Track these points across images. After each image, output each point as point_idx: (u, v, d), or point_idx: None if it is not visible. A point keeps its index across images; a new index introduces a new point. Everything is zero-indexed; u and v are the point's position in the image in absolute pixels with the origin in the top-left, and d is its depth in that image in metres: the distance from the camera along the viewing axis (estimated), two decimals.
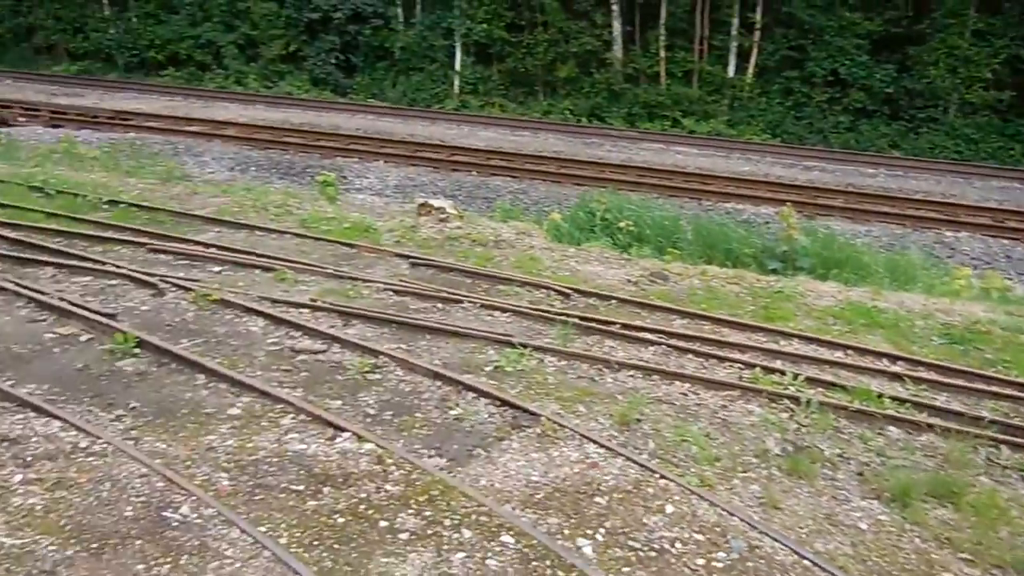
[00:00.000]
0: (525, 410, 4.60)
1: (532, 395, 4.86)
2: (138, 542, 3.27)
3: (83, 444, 3.93)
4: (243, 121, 16.75)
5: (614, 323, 6.03)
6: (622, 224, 9.45)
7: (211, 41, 23.41)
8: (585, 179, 13.30)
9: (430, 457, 4.14)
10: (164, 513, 3.46)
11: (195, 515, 3.46)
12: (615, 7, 20.93)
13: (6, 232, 7.15)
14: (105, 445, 3.93)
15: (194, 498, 3.56)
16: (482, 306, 6.29)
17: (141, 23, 24.00)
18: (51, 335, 5.23)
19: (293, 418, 4.39)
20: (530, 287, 6.84)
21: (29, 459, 3.76)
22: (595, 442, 4.29)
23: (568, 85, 21.49)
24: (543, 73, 21.73)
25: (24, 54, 24.47)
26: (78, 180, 9.79)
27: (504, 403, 4.69)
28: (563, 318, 5.98)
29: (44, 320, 5.44)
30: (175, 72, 23.54)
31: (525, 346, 5.46)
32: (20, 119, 15.32)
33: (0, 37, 24.50)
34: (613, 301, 6.65)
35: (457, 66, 22.28)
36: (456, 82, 22.23)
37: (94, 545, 3.23)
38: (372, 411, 4.59)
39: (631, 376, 5.24)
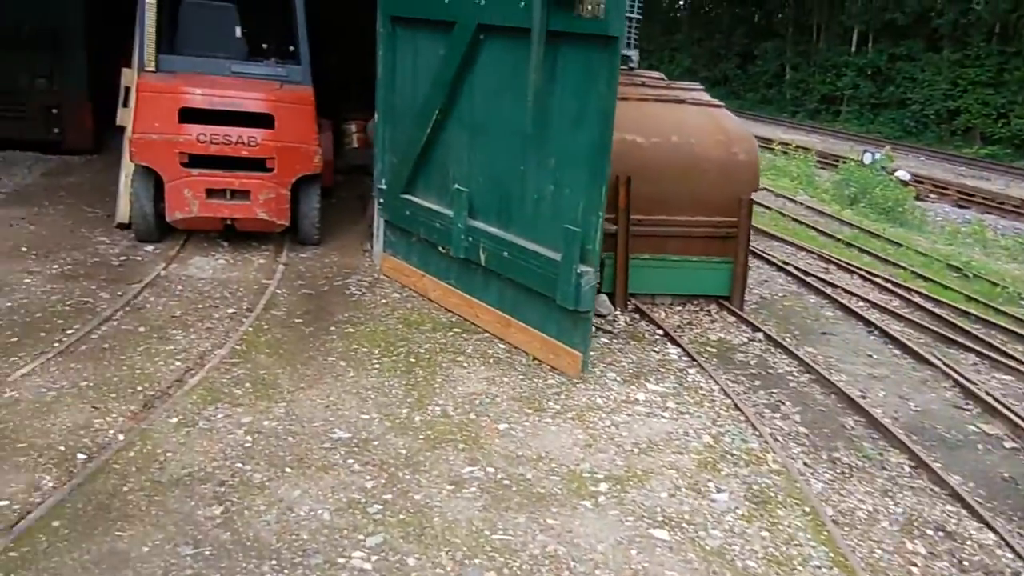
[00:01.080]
0: None
1: None
2: None
3: (1021, 571, 3.42)
4: None
5: None
6: None
7: None
8: None
9: None
10: None
11: None
12: None
13: (929, 306, 7.13)
14: None
15: None
16: None
17: None
18: (974, 428, 4.86)
19: None
20: None
21: (965, 564, 3.46)
22: None
23: None
24: None
25: (940, 134, 24.95)
26: (991, 267, 9.23)
27: None
28: None
29: (968, 409, 5.11)
30: None
31: None
32: (930, 196, 15.55)
33: (925, 117, 25.51)
34: None
35: None
36: None
37: None
38: None
39: None
